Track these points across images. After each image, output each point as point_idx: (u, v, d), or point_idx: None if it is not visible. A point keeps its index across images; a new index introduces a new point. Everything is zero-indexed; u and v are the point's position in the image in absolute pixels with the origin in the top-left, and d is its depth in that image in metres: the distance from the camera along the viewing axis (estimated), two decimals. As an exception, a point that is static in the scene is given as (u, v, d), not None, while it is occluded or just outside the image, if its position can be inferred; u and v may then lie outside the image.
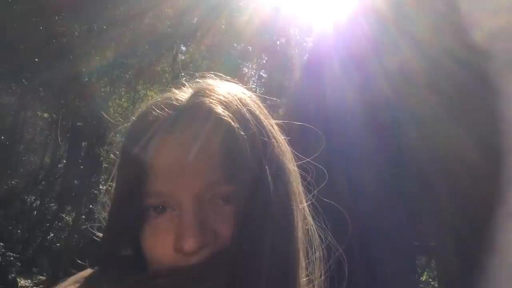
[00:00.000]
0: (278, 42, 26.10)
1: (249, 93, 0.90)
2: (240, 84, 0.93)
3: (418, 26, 2.64)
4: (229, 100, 0.81)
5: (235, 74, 24.51)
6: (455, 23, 2.59)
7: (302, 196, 0.89)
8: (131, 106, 23.55)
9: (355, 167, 2.54)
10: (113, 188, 0.88)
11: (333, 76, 2.72)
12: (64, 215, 16.99)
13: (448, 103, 2.32)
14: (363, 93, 2.63)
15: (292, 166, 0.87)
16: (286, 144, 0.90)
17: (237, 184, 0.75)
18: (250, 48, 25.38)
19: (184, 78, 0.92)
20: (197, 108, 0.79)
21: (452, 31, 2.55)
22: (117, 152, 0.89)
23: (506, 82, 1.86)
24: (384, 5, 2.84)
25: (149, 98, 20.23)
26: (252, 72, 28.11)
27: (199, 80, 0.90)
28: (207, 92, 0.82)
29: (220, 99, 0.80)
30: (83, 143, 19.76)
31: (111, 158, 0.93)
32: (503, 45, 1.92)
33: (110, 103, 22.49)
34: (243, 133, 0.76)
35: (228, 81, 0.92)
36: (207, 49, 23.52)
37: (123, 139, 0.86)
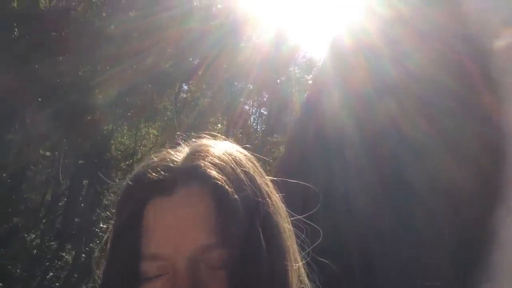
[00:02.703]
0: (278, 81, 26.43)
1: (244, 151, 0.90)
2: (235, 143, 0.93)
3: (414, 61, 2.72)
4: (224, 162, 0.82)
5: (236, 111, 24.75)
6: (452, 60, 2.66)
7: (297, 254, 0.88)
8: (133, 144, 23.66)
9: (356, 199, 2.55)
10: (107, 247, 0.87)
11: (333, 110, 2.78)
12: (64, 254, 16.81)
13: (445, 136, 2.36)
14: (363, 126, 2.67)
15: (286, 225, 0.87)
16: (280, 202, 0.90)
17: (230, 247, 0.75)
18: (251, 86, 25.69)
19: (180, 137, 0.93)
20: (192, 171, 0.80)
21: (448, 67, 2.61)
22: (113, 210, 0.89)
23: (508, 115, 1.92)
24: (380, 41, 2.92)
25: (151, 136, 20.11)
26: (253, 110, 28.35)
27: (194, 140, 0.91)
28: (202, 154, 0.83)
29: (214, 161, 0.81)
30: (84, 181, 19.74)
31: (107, 215, 0.92)
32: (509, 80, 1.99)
33: (112, 141, 22.59)
34: (236, 197, 0.77)
35: (223, 139, 0.92)
36: (208, 88, 23.81)
37: (118, 200, 0.86)
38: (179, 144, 0.91)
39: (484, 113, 1.99)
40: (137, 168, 0.87)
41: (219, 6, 22.21)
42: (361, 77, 2.63)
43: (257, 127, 28.53)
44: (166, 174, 0.81)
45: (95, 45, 14.31)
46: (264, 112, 28.48)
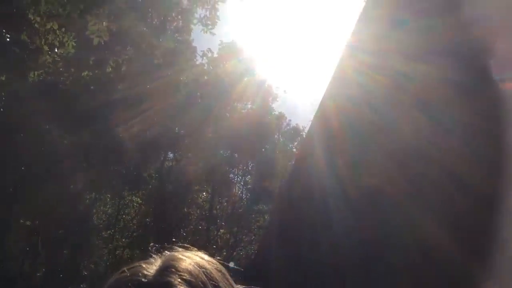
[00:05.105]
0: (263, 149, 26.71)
1: (214, 262, 0.94)
2: (207, 254, 0.97)
3: (397, 130, 2.83)
4: (194, 277, 0.85)
5: (221, 180, 24.76)
6: (433, 132, 2.78)
7: None
8: (116, 213, 23.28)
9: (342, 256, 2.57)
10: None
11: (319, 173, 2.85)
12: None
13: (426, 197, 2.43)
14: (347, 187, 2.74)
15: None
16: None
17: None
18: (236, 154, 25.90)
19: (154, 248, 0.97)
20: None
21: (430, 138, 2.73)
22: None
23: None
24: (364, 109, 3.05)
25: (135, 204, 19.66)
26: (238, 178, 28.37)
27: (166, 252, 0.94)
28: (173, 269, 0.85)
29: (185, 277, 0.84)
30: (64, 252, 19.20)
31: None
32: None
33: (94, 210, 22.23)
34: None
35: (195, 250, 0.96)
36: (193, 156, 23.94)
37: None
38: (151, 256, 0.92)
39: (463, 176, 2.08)
40: (109, 282, 0.88)
41: (205, 77, 22.86)
42: (346, 142, 2.73)
43: (242, 195, 28.44)
44: None
45: (82, 116, 14.48)
46: (249, 181, 28.49)
